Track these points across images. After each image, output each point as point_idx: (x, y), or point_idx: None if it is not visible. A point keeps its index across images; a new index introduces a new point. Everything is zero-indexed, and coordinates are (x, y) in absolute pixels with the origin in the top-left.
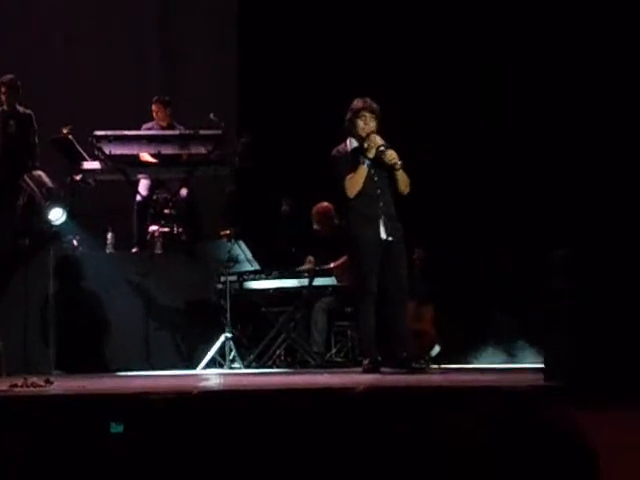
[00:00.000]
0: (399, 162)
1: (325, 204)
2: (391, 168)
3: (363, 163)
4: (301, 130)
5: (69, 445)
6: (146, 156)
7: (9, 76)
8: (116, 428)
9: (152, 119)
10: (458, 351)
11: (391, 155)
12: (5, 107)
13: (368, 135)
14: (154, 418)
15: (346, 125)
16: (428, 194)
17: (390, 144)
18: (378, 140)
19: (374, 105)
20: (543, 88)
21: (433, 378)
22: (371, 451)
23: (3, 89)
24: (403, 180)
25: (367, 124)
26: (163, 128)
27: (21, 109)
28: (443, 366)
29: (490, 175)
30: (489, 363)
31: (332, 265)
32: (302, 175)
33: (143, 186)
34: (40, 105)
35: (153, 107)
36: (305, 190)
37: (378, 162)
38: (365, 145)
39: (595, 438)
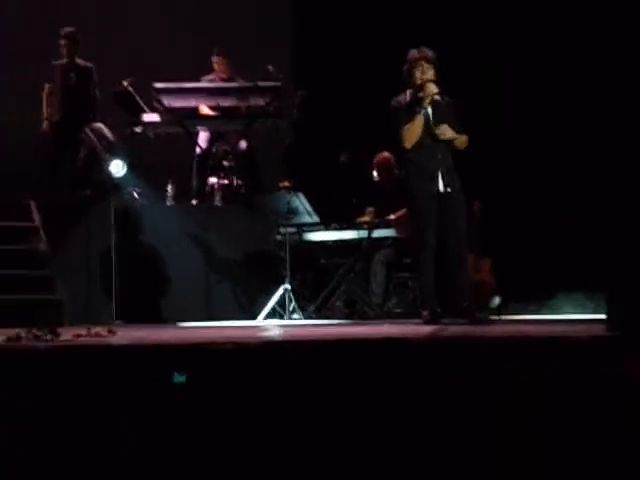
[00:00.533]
0: (453, 135)
1: (386, 154)
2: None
3: (419, 113)
4: (359, 81)
5: (132, 394)
6: (205, 109)
7: (69, 29)
8: (179, 378)
9: (211, 71)
10: (518, 302)
11: (442, 132)
12: (65, 60)
13: (424, 84)
14: (216, 368)
15: (404, 76)
16: (487, 145)
17: (449, 95)
18: (433, 88)
19: (430, 53)
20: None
21: (493, 329)
22: (431, 401)
23: (63, 42)
24: (460, 143)
25: (424, 73)
26: (223, 80)
27: (81, 62)
28: (503, 317)
29: (551, 125)
30: (550, 314)
31: (392, 217)
32: (361, 126)
33: (202, 139)
34: (101, 58)
35: (213, 59)
36: (364, 141)
37: (436, 114)
38: (421, 95)
39: None
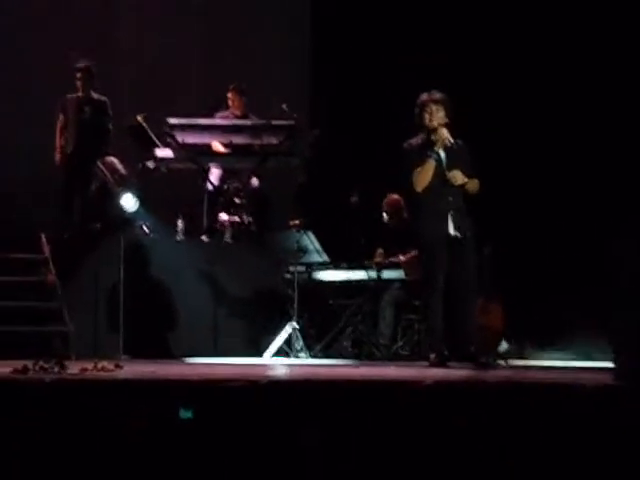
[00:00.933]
0: (464, 180)
1: (395, 196)
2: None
3: (430, 157)
4: (373, 122)
5: (139, 429)
6: (217, 145)
7: (85, 62)
8: (185, 414)
9: (226, 108)
10: (526, 348)
11: (454, 178)
12: (80, 93)
13: (436, 128)
14: (223, 405)
15: (416, 119)
16: (499, 189)
17: (462, 139)
18: (445, 133)
19: (437, 95)
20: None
21: (500, 374)
22: (436, 444)
23: (79, 75)
24: (471, 187)
25: (433, 116)
26: (237, 117)
27: (96, 96)
28: (510, 362)
29: (558, 170)
30: (558, 361)
31: (401, 258)
32: (373, 167)
33: (214, 175)
34: (115, 91)
35: (229, 95)
36: (376, 182)
37: (448, 156)
38: (433, 138)
39: None
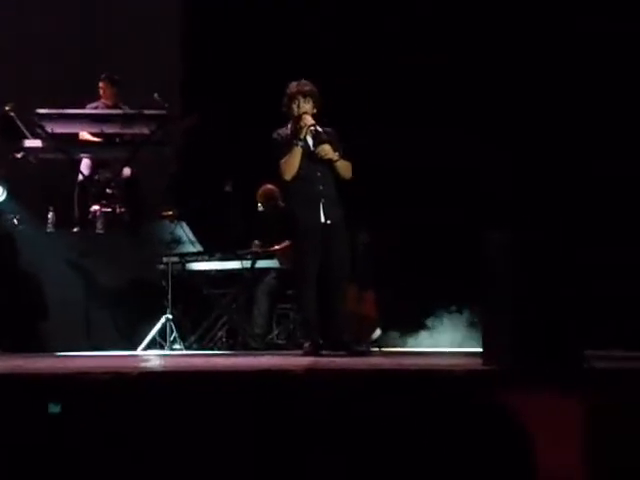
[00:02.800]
0: (334, 156)
1: (269, 186)
2: (329, 161)
3: (297, 144)
4: (245, 110)
5: (5, 425)
6: (87, 135)
7: None
8: (54, 408)
9: (98, 98)
10: (399, 334)
11: (324, 150)
12: None
13: (300, 116)
14: (93, 398)
15: (284, 109)
16: (371, 176)
17: (330, 127)
18: (309, 120)
19: (307, 87)
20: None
21: (373, 361)
22: (308, 434)
23: None
24: (343, 167)
25: (300, 107)
26: (109, 107)
27: None
28: (384, 349)
29: (430, 155)
30: (430, 347)
31: (276, 247)
32: (247, 156)
33: (85, 165)
34: None
35: (100, 84)
36: (251, 171)
37: (317, 143)
38: (298, 127)
39: (529, 421)
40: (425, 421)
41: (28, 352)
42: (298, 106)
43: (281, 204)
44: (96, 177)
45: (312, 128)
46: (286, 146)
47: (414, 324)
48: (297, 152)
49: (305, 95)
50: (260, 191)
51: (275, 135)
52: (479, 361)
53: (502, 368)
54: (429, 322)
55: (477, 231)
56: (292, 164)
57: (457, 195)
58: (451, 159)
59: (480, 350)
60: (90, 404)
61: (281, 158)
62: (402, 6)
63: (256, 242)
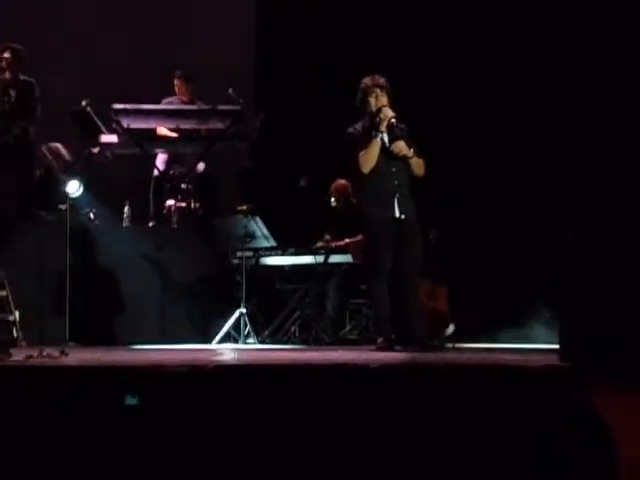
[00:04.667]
0: (409, 152)
1: (343, 181)
2: (404, 157)
3: (376, 137)
4: (320, 106)
5: (84, 416)
6: (164, 130)
7: (16, 45)
8: (131, 400)
9: (173, 94)
10: (473, 331)
11: (398, 147)
12: (8, 75)
13: (379, 109)
14: (169, 391)
15: (357, 104)
16: (447, 173)
17: (405, 123)
18: (389, 112)
19: (382, 80)
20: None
21: (446, 357)
22: (383, 428)
23: (6, 55)
24: (416, 165)
25: (379, 100)
26: (184, 103)
27: (23, 77)
28: (457, 345)
29: (505, 156)
30: (504, 343)
31: (347, 241)
32: (321, 151)
33: (160, 160)
34: (60, 77)
35: (175, 82)
36: (323, 166)
37: (392, 140)
38: (377, 119)
39: (608, 417)
40: (502, 417)
41: (104, 345)
42: (376, 99)
43: (353, 200)
44: (171, 172)
45: (393, 120)
46: (363, 140)
47: (487, 320)
48: (376, 144)
49: (382, 88)
50: (333, 186)
51: (351, 130)
52: (555, 358)
53: (578, 365)
54: (503, 318)
55: (553, 228)
56: (371, 156)
57: (533, 191)
58: (525, 155)
59: (556, 347)
60: (167, 396)
61: (358, 152)
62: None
63: (327, 236)
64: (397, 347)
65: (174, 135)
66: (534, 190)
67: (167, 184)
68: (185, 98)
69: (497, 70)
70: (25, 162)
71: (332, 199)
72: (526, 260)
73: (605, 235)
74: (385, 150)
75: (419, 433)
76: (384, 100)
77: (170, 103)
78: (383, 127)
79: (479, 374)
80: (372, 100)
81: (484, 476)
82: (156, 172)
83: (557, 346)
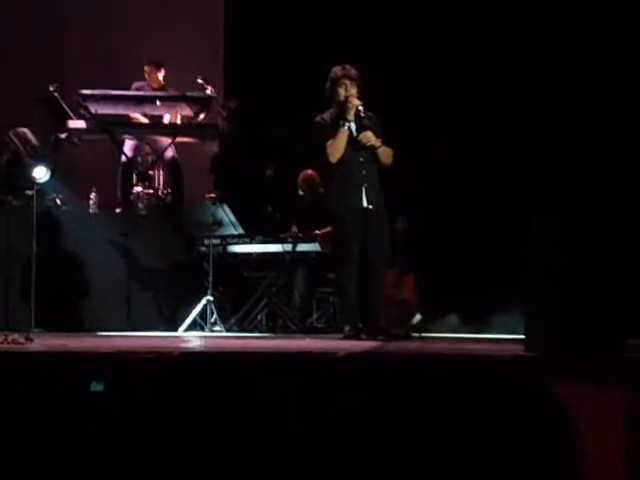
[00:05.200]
0: (377, 142)
1: (310, 171)
2: (371, 147)
3: (343, 126)
4: (287, 95)
5: (49, 403)
6: (138, 116)
7: None
8: (96, 387)
9: (143, 79)
10: (438, 320)
11: (366, 137)
12: None
13: (346, 98)
14: (135, 378)
15: (327, 93)
16: (413, 162)
17: (373, 113)
18: (356, 101)
19: (353, 71)
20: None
21: (412, 345)
22: (348, 417)
23: None
24: (384, 154)
25: (348, 91)
26: (154, 90)
27: None
28: (424, 334)
29: (473, 141)
30: (471, 333)
31: (317, 232)
32: (288, 140)
33: (128, 146)
34: (27, 62)
35: (145, 69)
36: (291, 155)
37: (360, 129)
38: (345, 109)
39: (572, 408)
40: (467, 407)
41: (70, 332)
42: (345, 90)
43: (321, 190)
44: (139, 159)
45: (360, 108)
46: (331, 129)
47: (453, 309)
48: (343, 134)
49: (352, 79)
50: (301, 177)
51: (318, 119)
52: (520, 347)
53: (544, 355)
54: (468, 308)
55: (519, 217)
56: (339, 146)
57: (501, 180)
58: (495, 143)
59: (520, 337)
60: (132, 383)
61: (326, 141)
62: None
63: (294, 228)
64: (363, 336)
65: (146, 121)
66: (505, 178)
67: (135, 170)
68: (155, 85)
69: (476, 59)
70: None
71: (300, 190)
72: (495, 248)
73: (575, 222)
74: (352, 140)
75: (385, 422)
76: (353, 92)
77: (140, 88)
78: (350, 116)
79: (444, 363)
80: (341, 91)
81: (448, 466)
82: (124, 158)
83: (522, 336)
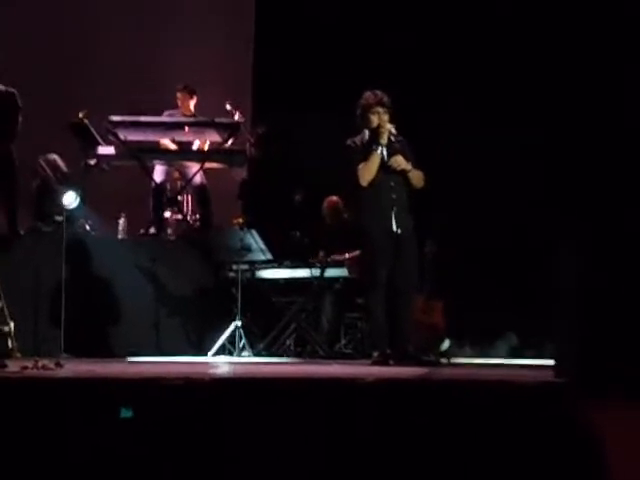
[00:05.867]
0: (407, 166)
1: (334, 198)
2: (402, 172)
3: (376, 150)
4: (315, 121)
5: (78, 429)
6: (167, 143)
7: None
8: (125, 413)
9: (175, 107)
10: (468, 346)
11: (397, 162)
12: None
13: (379, 125)
14: (164, 404)
15: (358, 119)
16: (443, 187)
17: (403, 136)
18: (388, 125)
19: (385, 98)
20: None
21: (442, 372)
22: (378, 442)
23: None
24: (416, 177)
25: (380, 118)
26: (185, 116)
27: (2, 87)
28: (453, 360)
29: (501, 169)
30: (500, 358)
31: (346, 256)
32: (316, 166)
33: (158, 172)
34: (57, 89)
35: (178, 95)
36: (319, 181)
37: (391, 153)
38: (377, 133)
39: (604, 433)
40: (497, 433)
41: (99, 357)
42: (379, 117)
43: (345, 216)
44: (168, 184)
45: (393, 132)
46: (362, 153)
47: (483, 335)
48: (376, 157)
49: (384, 105)
50: (325, 203)
51: (349, 142)
52: (550, 373)
53: (573, 380)
54: (498, 334)
55: (551, 242)
56: (370, 169)
57: (531, 206)
58: (519, 166)
59: (551, 363)
60: (162, 409)
61: (357, 164)
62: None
63: (321, 254)
64: (392, 361)
65: (175, 147)
66: (532, 205)
67: (164, 196)
68: (187, 112)
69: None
70: (8, 179)
71: (325, 216)
72: (523, 274)
73: (604, 250)
74: (383, 164)
75: (413, 448)
76: (385, 119)
77: (171, 115)
78: (384, 140)
79: (474, 390)
80: (374, 118)
81: None
82: (154, 184)
83: (551, 362)
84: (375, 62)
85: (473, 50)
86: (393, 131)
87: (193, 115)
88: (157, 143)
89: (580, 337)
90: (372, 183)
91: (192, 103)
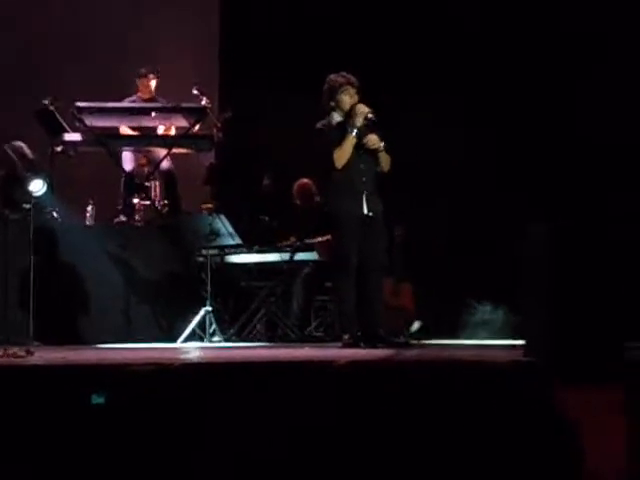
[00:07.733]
0: (381, 145)
1: (305, 181)
2: (374, 151)
3: (351, 132)
4: (283, 105)
5: (50, 416)
6: (127, 130)
7: None
8: (97, 399)
9: (135, 92)
10: (437, 327)
11: (371, 140)
12: None
13: (353, 106)
14: (135, 390)
15: (325, 101)
16: (411, 170)
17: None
18: (365, 108)
19: (353, 78)
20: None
21: (412, 353)
22: (349, 424)
23: None
24: (385, 160)
25: (352, 97)
26: (146, 101)
27: None
28: (422, 342)
29: (471, 151)
30: (468, 339)
31: (317, 240)
32: (284, 150)
33: (124, 158)
34: (22, 76)
35: (137, 80)
36: (287, 165)
37: (365, 133)
38: (352, 116)
39: (573, 412)
40: (467, 413)
41: (69, 345)
42: (351, 96)
43: (317, 199)
44: (135, 170)
45: (370, 115)
46: (336, 135)
47: (452, 316)
48: (351, 140)
49: (354, 85)
50: (296, 186)
51: (320, 126)
52: (520, 353)
53: (543, 360)
54: (467, 315)
55: (516, 224)
56: (346, 152)
57: (497, 187)
58: (491, 151)
59: (519, 343)
60: (132, 395)
61: (331, 147)
62: None
63: (292, 238)
64: (362, 344)
65: (135, 133)
66: (502, 186)
67: (131, 182)
68: (146, 96)
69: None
70: None
71: (295, 199)
72: (492, 255)
73: (574, 231)
74: (356, 146)
75: (385, 429)
76: (356, 98)
77: (131, 102)
78: (359, 122)
79: (445, 370)
80: (346, 98)
81: (448, 471)
82: (125, 170)
83: (522, 342)
84: (342, 44)
85: (433, 33)
86: (370, 115)
87: (153, 99)
88: (117, 130)
89: (549, 316)
90: (346, 165)
91: (153, 84)
